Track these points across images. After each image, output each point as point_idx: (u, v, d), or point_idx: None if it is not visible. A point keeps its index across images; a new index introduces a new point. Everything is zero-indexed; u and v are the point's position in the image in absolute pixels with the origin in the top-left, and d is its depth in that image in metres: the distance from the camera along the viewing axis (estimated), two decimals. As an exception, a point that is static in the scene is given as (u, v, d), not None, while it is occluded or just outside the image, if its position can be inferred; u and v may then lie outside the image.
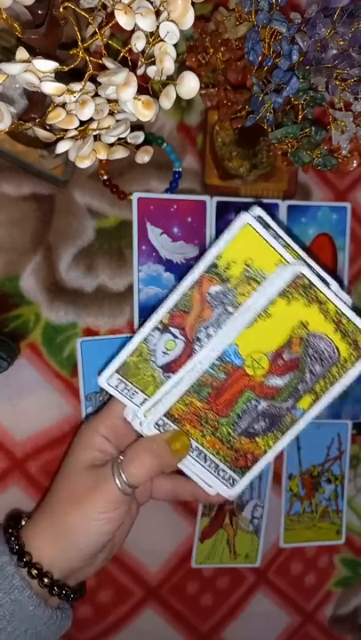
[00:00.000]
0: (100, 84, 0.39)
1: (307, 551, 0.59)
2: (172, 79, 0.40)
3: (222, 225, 0.52)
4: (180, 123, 0.52)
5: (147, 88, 0.41)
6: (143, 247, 0.51)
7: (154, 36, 0.38)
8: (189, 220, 0.51)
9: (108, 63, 0.38)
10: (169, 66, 0.39)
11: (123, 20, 0.36)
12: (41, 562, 0.41)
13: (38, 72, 0.36)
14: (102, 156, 0.43)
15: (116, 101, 0.40)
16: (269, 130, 0.47)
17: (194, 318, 0.42)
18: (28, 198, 0.48)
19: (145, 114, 0.39)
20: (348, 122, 0.47)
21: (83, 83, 0.38)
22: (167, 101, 0.40)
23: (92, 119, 0.39)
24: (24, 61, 0.36)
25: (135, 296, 0.51)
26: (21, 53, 0.37)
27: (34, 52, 0.37)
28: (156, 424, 0.43)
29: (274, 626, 0.59)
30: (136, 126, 0.47)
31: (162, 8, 0.38)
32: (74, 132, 0.40)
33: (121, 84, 0.37)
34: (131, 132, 0.43)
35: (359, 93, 0.46)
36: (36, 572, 0.40)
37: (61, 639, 0.44)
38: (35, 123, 0.40)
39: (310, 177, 0.55)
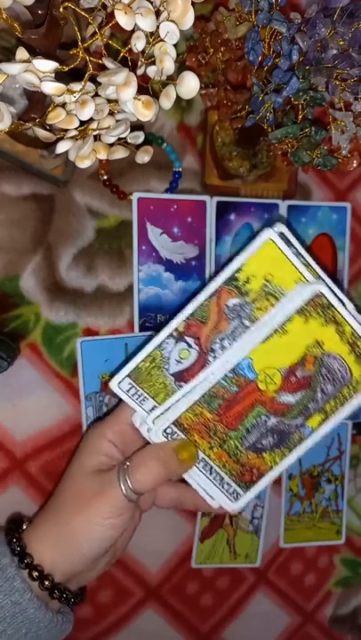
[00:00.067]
0: (100, 83, 0.39)
1: (307, 551, 0.59)
2: (172, 79, 0.40)
3: (222, 225, 0.52)
4: (180, 123, 0.52)
5: (147, 88, 0.41)
6: (143, 247, 0.51)
7: (154, 36, 0.38)
8: (189, 220, 0.51)
9: (108, 63, 0.38)
10: (169, 66, 0.39)
11: (123, 20, 0.36)
12: (42, 565, 0.41)
13: (38, 72, 0.36)
14: (102, 155, 0.43)
15: (116, 101, 0.40)
16: (269, 130, 0.47)
17: (210, 329, 0.42)
18: (28, 198, 0.48)
19: (145, 114, 0.39)
20: (349, 122, 0.47)
21: (83, 83, 0.38)
22: (167, 101, 0.40)
23: (92, 119, 0.39)
24: (24, 61, 0.36)
25: (135, 296, 0.51)
26: (21, 53, 0.37)
27: (34, 52, 0.37)
28: (165, 432, 0.43)
29: (274, 626, 0.59)
30: (136, 126, 0.47)
31: (162, 8, 0.38)
32: (74, 132, 0.40)
33: (121, 84, 0.37)
34: (131, 131, 0.43)
35: (359, 93, 0.46)
36: (37, 574, 0.40)
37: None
38: (35, 123, 0.40)
39: (310, 177, 0.55)
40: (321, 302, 0.41)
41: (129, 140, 0.45)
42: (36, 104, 0.43)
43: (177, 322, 0.42)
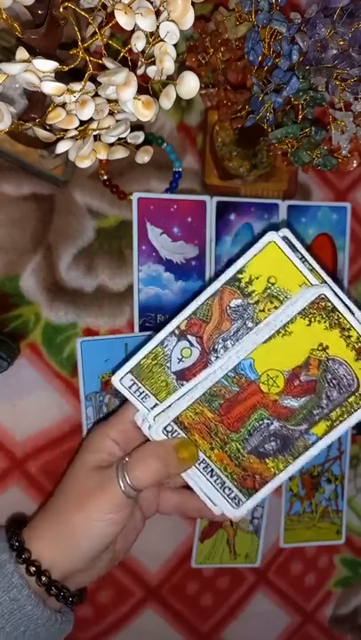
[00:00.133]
0: (100, 83, 0.39)
1: (307, 551, 0.59)
2: (172, 79, 0.40)
3: (222, 225, 0.52)
4: (180, 123, 0.52)
5: (147, 88, 0.41)
6: (143, 247, 0.51)
7: (154, 36, 0.38)
8: (189, 219, 0.51)
9: (108, 63, 0.38)
10: (169, 66, 0.39)
11: (123, 20, 0.36)
12: (41, 562, 0.41)
13: (38, 72, 0.36)
14: (102, 155, 0.43)
15: (116, 101, 0.40)
16: (269, 130, 0.47)
17: (212, 328, 0.42)
18: (28, 198, 0.48)
19: (145, 114, 0.39)
20: (349, 122, 0.47)
21: (83, 83, 0.38)
22: (167, 101, 0.40)
23: (92, 119, 0.39)
24: (24, 61, 0.36)
25: (135, 296, 0.51)
26: (21, 53, 0.37)
27: (34, 52, 0.37)
28: (165, 430, 0.43)
29: (274, 626, 0.59)
30: (136, 126, 0.47)
31: (162, 8, 0.38)
32: (74, 132, 0.40)
33: (121, 84, 0.37)
34: (131, 131, 0.43)
35: (359, 93, 0.46)
36: (34, 569, 0.40)
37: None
38: (35, 123, 0.40)
39: (310, 177, 0.55)
40: (325, 305, 0.41)
41: (129, 140, 0.45)
42: (36, 104, 0.43)
43: (179, 320, 0.42)
